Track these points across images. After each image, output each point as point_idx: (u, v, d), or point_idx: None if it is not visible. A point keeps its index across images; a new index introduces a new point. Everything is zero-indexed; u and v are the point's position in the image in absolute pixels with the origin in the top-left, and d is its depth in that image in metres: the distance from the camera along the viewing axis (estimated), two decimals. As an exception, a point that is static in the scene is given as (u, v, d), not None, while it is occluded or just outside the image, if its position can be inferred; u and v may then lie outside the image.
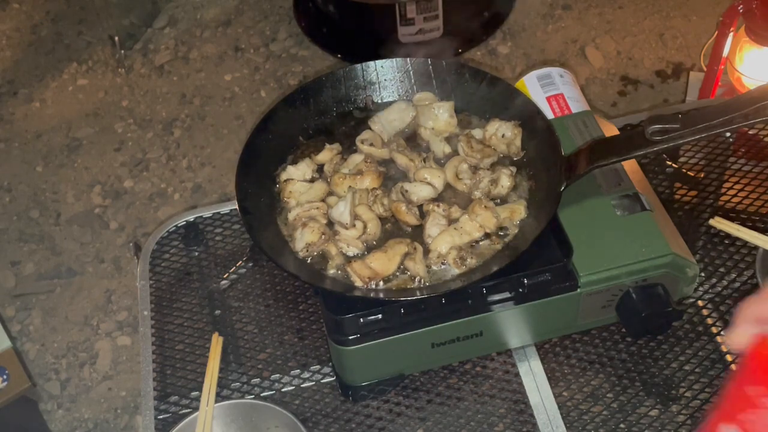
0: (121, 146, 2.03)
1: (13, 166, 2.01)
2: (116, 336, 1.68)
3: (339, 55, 2.13)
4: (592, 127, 0.91)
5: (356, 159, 0.90)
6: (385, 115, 0.93)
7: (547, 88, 1.01)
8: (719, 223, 0.92)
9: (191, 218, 1.02)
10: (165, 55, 2.22)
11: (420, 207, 0.86)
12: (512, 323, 0.83)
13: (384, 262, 0.80)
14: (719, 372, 0.83)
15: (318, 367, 0.88)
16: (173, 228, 1.01)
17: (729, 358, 0.84)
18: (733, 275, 0.90)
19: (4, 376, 1.21)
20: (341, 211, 0.84)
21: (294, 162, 0.90)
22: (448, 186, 0.88)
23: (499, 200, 0.86)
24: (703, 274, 0.90)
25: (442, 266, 0.81)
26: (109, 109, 2.11)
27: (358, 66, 0.95)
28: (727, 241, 0.93)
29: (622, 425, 0.80)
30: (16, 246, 1.85)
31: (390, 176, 0.89)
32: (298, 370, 0.88)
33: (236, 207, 0.87)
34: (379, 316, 0.78)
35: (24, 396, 1.25)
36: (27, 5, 2.40)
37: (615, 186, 0.86)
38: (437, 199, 0.87)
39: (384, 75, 0.96)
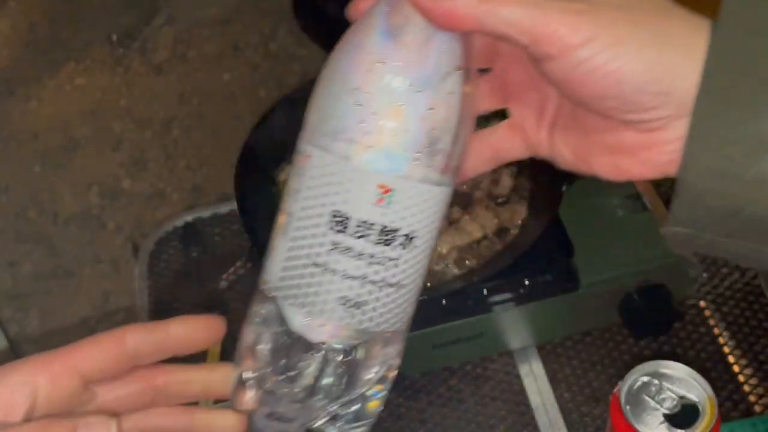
0: (119, 146, 2.02)
1: (11, 165, 2.00)
2: (114, 336, 1.68)
3: (338, 55, 2.13)
4: (594, 127, 0.90)
5: (356, 159, 0.89)
6: (384, 114, 0.93)
7: (548, 88, 1.01)
8: (721, 223, 0.92)
9: (190, 219, 1.01)
10: (163, 54, 2.22)
11: (420, 207, 0.85)
12: (513, 324, 0.82)
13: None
14: (721, 374, 0.82)
15: (317, 368, 0.87)
16: (172, 228, 1.01)
17: (731, 359, 0.83)
18: (736, 276, 0.89)
19: (2, 378, 1.20)
20: (341, 212, 0.84)
21: (293, 162, 0.90)
22: (448, 186, 0.87)
23: (500, 200, 0.86)
24: (705, 275, 0.89)
25: (443, 266, 0.81)
26: (106, 108, 2.11)
27: (358, 65, 0.95)
28: (729, 242, 0.92)
29: (623, 427, 0.80)
30: (13, 246, 1.84)
31: (390, 176, 0.89)
32: (298, 372, 0.87)
33: (235, 207, 0.86)
34: (379, 317, 0.77)
35: (21, 397, 1.25)
36: (24, 4, 2.40)
37: (616, 186, 0.85)
38: (437, 199, 0.86)
39: (384, 74, 0.95)
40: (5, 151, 2.04)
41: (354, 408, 0.41)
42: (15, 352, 1.61)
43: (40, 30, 2.32)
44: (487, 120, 0.44)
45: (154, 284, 0.96)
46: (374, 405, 0.42)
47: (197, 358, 0.94)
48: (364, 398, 0.41)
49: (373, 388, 0.41)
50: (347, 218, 0.37)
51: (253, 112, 2.07)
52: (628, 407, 0.62)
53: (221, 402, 0.84)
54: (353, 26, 0.39)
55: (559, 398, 0.82)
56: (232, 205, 0.99)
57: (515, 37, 0.35)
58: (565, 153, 0.41)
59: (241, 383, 0.42)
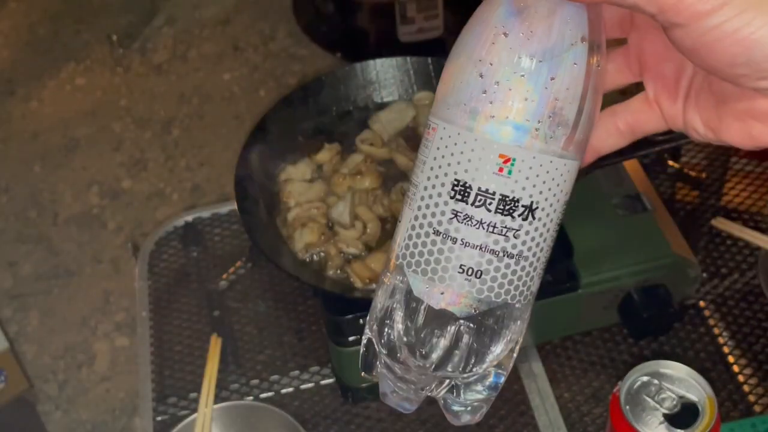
0: (119, 146, 2.02)
1: (11, 166, 2.00)
2: (114, 337, 1.68)
3: (338, 54, 2.12)
4: (593, 127, 0.90)
5: (356, 159, 0.89)
6: (385, 114, 0.93)
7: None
8: (721, 224, 0.92)
9: (190, 219, 1.01)
10: (163, 54, 2.22)
11: (420, 207, 0.85)
12: (513, 324, 0.82)
13: (384, 263, 0.80)
14: (721, 374, 0.82)
15: (317, 368, 0.87)
16: (172, 228, 1.01)
17: (731, 359, 0.83)
18: (736, 276, 0.89)
19: (2, 378, 1.20)
20: (341, 212, 0.84)
21: (293, 162, 0.90)
22: (448, 186, 0.87)
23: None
24: (705, 275, 0.89)
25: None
26: (107, 108, 2.11)
27: (358, 65, 0.95)
28: (729, 242, 0.92)
29: (623, 427, 0.80)
30: (13, 246, 1.84)
31: (390, 176, 0.89)
32: (298, 372, 0.87)
33: (235, 207, 0.86)
34: (379, 317, 0.77)
35: (22, 397, 1.25)
36: (24, 4, 2.40)
37: (616, 186, 0.85)
38: (437, 199, 0.86)
39: (383, 74, 0.95)
40: (5, 151, 2.04)
41: (475, 382, 0.42)
42: (15, 352, 1.61)
43: (40, 30, 2.32)
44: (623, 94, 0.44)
45: (154, 284, 0.96)
46: (495, 381, 0.42)
47: (196, 356, 0.94)
48: (486, 374, 0.42)
49: (496, 364, 0.42)
50: (468, 187, 0.38)
51: (253, 112, 2.08)
52: (627, 407, 0.62)
53: (219, 404, 0.84)
54: (481, 5, 0.39)
55: (559, 398, 0.82)
56: (232, 205, 0.99)
57: (642, 6, 0.35)
58: (697, 123, 0.41)
59: (371, 348, 0.43)
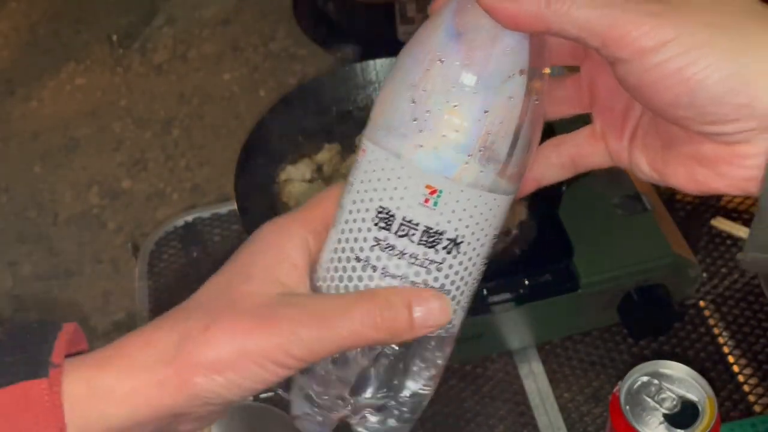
0: (119, 146, 2.02)
1: (11, 166, 2.00)
2: (114, 337, 1.67)
3: (338, 54, 2.12)
4: (593, 127, 0.90)
5: (356, 159, 0.89)
6: (384, 114, 0.93)
7: (548, 88, 1.00)
8: (721, 224, 0.92)
9: (190, 219, 1.01)
10: (163, 54, 2.22)
11: (420, 207, 0.85)
12: (513, 324, 0.82)
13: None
14: (720, 374, 0.82)
15: (317, 368, 0.87)
16: (172, 228, 1.01)
17: (731, 359, 0.83)
18: (735, 276, 0.89)
19: (2, 378, 1.20)
20: (341, 212, 0.84)
21: (293, 162, 0.90)
22: (448, 186, 0.87)
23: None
24: (705, 275, 0.89)
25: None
26: (107, 108, 2.11)
27: (357, 65, 0.95)
28: (729, 242, 0.92)
29: (623, 427, 0.80)
30: (13, 246, 1.84)
31: (390, 176, 0.89)
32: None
33: (235, 207, 0.86)
34: (379, 317, 0.77)
35: (21, 397, 1.25)
36: (25, 4, 2.40)
37: (616, 186, 0.85)
38: (437, 199, 0.86)
39: (383, 74, 0.95)
40: (5, 151, 2.04)
41: (390, 411, 0.41)
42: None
43: (40, 30, 2.32)
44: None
45: (154, 284, 0.96)
46: (410, 414, 0.41)
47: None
48: (401, 404, 0.41)
49: (412, 396, 0.41)
50: (392, 215, 0.37)
51: (253, 112, 2.08)
52: (627, 407, 0.62)
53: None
54: (424, 23, 0.37)
55: (559, 398, 0.82)
56: (232, 205, 0.99)
57: (585, 39, 0.33)
58: (642, 164, 0.39)
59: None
